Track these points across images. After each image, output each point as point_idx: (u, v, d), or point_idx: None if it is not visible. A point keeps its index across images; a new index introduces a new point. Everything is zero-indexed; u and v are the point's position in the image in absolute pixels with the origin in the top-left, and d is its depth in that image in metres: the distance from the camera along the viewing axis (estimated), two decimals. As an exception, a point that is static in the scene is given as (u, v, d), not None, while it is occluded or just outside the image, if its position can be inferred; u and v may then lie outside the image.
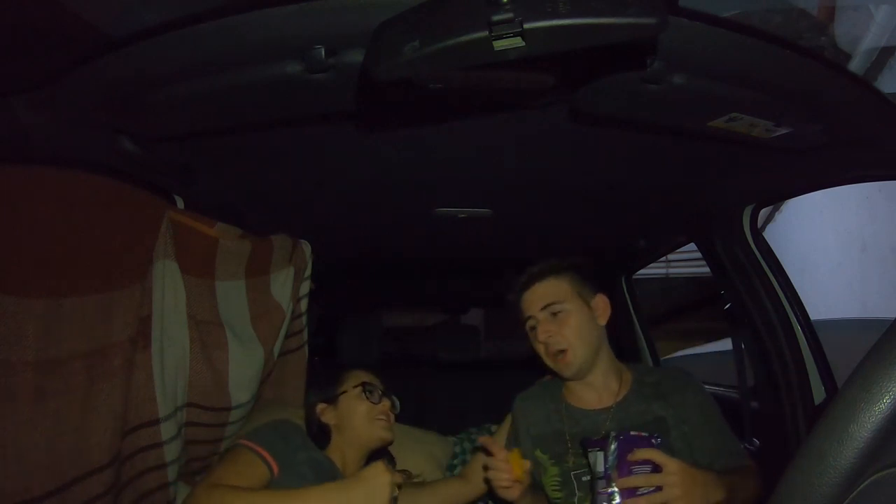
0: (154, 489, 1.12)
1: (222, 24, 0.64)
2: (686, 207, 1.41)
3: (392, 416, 1.28)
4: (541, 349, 1.16)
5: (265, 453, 1.09)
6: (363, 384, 1.28)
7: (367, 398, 1.26)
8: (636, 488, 0.90)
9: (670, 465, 0.89)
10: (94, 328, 0.97)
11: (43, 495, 0.86)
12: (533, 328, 1.18)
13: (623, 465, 0.91)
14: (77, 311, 0.94)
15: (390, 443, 1.29)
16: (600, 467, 0.95)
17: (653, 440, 0.95)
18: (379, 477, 0.99)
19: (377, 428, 1.24)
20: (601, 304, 1.20)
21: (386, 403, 1.28)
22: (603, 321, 1.18)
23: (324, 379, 1.33)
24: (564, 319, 1.13)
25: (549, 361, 1.16)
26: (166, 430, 1.10)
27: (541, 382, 1.32)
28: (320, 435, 1.27)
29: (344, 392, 1.28)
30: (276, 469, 1.09)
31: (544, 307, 1.15)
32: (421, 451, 1.56)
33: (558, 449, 1.18)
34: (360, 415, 1.24)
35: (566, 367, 1.13)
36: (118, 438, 1.01)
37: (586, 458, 1.01)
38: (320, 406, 1.29)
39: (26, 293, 0.85)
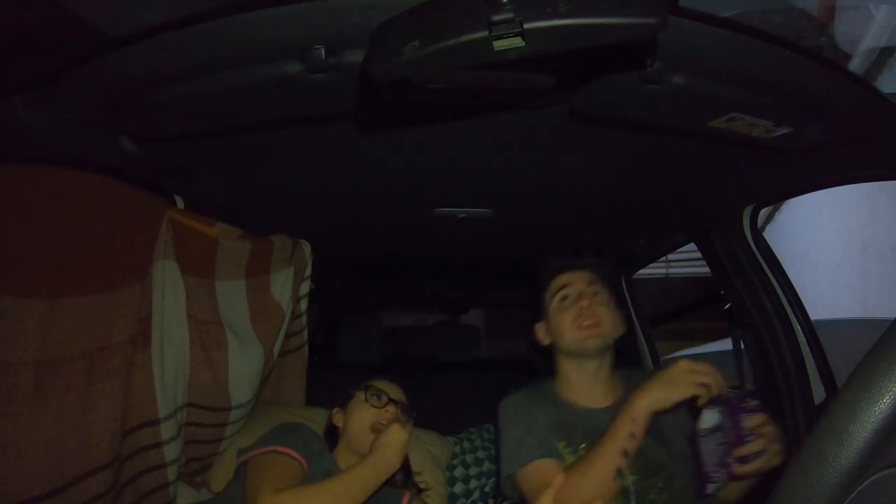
0: (154, 489, 1.12)
1: (222, 24, 0.64)
2: (686, 207, 1.41)
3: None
4: (569, 317, 1.17)
5: (294, 453, 1.10)
6: (366, 387, 1.26)
7: (371, 403, 1.22)
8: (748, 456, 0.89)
9: (774, 429, 0.90)
10: (93, 328, 0.98)
11: (43, 495, 0.86)
12: (566, 297, 1.19)
13: (740, 432, 0.89)
14: (77, 311, 0.94)
15: None
16: (709, 426, 0.91)
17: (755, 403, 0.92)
18: (395, 433, 1.09)
19: (373, 439, 1.17)
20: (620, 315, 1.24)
21: (390, 409, 1.22)
22: (622, 330, 1.21)
23: (352, 384, 1.34)
24: (603, 301, 1.19)
25: (573, 331, 1.16)
26: (166, 430, 1.10)
27: (526, 389, 1.28)
28: (330, 437, 1.28)
29: (353, 396, 1.28)
30: (305, 466, 1.10)
31: (590, 283, 1.20)
32: (421, 451, 1.56)
33: (572, 440, 1.13)
34: (360, 420, 1.21)
35: (595, 337, 1.14)
36: (118, 438, 1.01)
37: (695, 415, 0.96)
38: (336, 409, 1.31)
39: (26, 293, 0.85)
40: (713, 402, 0.91)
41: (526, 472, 1.10)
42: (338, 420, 1.28)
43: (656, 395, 0.95)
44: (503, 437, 1.19)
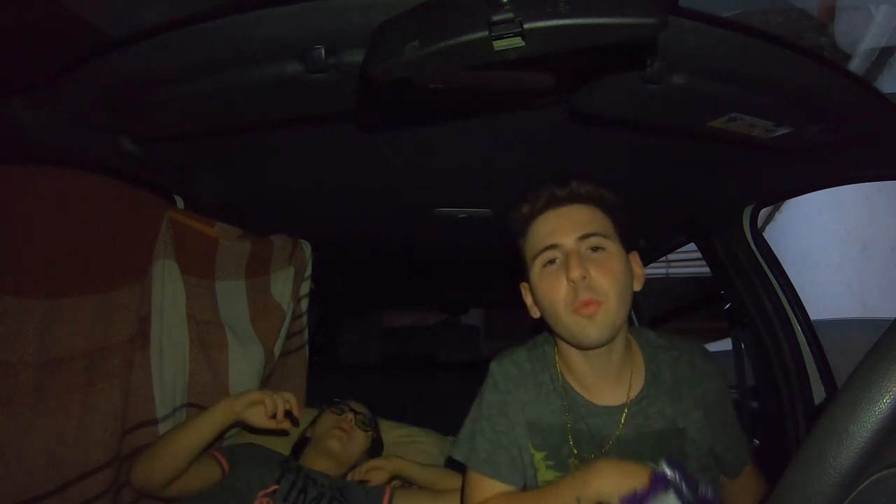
0: (154, 489, 1.12)
1: (222, 24, 0.64)
2: (686, 207, 1.41)
3: (352, 427, 1.35)
4: (560, 295, 0.81)
5: (220, 456, 1.15)
6: (329, 403, 1.41)
7: (332, 411, 1.39)
8: None
9: None
10: (93, 328, 0.98)
11: (43, 495, 0.86)
12: (552, 261, 0.84)
13: None
14: (77, 312, 0.94)
15: (339, 453, 1.31)
16: None
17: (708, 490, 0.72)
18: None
19: (329, 438, 1.31)
20: (638, 264, 0.90)
21: (348, 416, 1.37)
22: (638, 286, 0.88)
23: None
24: (606, 262, 0.81)
25: (566, 314, 0.81)
26: (164, 430, 1.09)
27: (530, 345, 0.99)
28: (299, 446, 1.39)
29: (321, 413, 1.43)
30: (227, 468, 1.13)
31: (584, 236, 0.82)
32: (421, 451, 1.56)
33: (559, 449, 0.91)
34: (321, 427, 1.35)
35: (594, 326, 0.79)
36: (118, 438, 1.01)
37: None
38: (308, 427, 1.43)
39: (26, 293, 0.85)
40: (658, 483, 0.71)
41: (471, 478, 0.94)
42: (309, 431, 1.41)
43: (617, 483, 0.75)
44: (476, 406, 0.99)
